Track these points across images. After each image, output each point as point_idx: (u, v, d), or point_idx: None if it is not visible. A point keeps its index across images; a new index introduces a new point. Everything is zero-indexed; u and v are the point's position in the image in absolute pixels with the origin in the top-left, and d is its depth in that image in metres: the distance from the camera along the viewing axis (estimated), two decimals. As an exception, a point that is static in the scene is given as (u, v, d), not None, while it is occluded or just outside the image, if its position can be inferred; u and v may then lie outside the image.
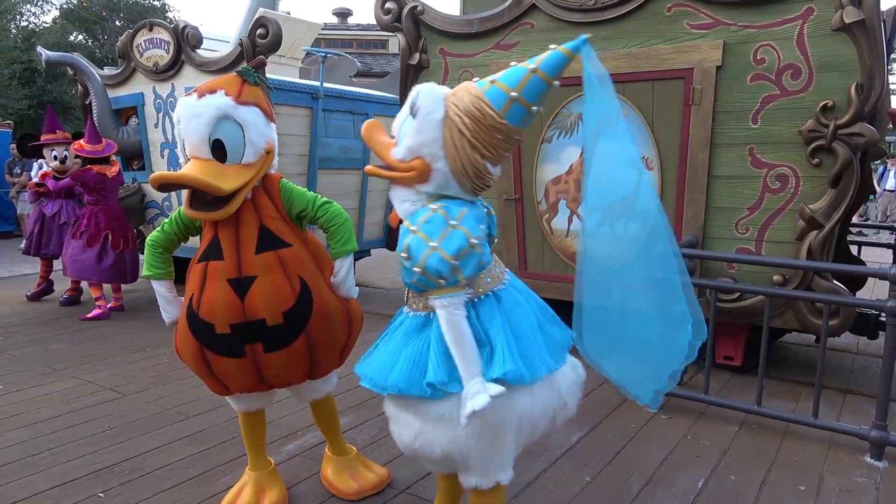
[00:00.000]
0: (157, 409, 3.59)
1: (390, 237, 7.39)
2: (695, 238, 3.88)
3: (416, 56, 4.79)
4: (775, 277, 3.74)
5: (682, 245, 3.60)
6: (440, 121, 1.82)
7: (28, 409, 3.56)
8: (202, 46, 6.32)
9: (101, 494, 2.69)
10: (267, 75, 5.67)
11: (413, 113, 1.85)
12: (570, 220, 4.44)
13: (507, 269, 2.08)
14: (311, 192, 2.42)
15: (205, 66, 6.03)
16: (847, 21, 3.32)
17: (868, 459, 3.05)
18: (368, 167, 1.98)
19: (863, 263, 4.62)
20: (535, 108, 1.83)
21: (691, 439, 3.27)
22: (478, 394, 1.74)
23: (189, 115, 2.19)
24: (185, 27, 6.12)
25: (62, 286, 6.36)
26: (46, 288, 6.47)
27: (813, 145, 3.54)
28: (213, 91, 2.20)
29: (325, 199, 2.41)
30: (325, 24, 23.74)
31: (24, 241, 6.38)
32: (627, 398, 2.26)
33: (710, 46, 3.73)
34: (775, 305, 3.77)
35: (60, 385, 3.96)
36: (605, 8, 4.03)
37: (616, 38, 4.05)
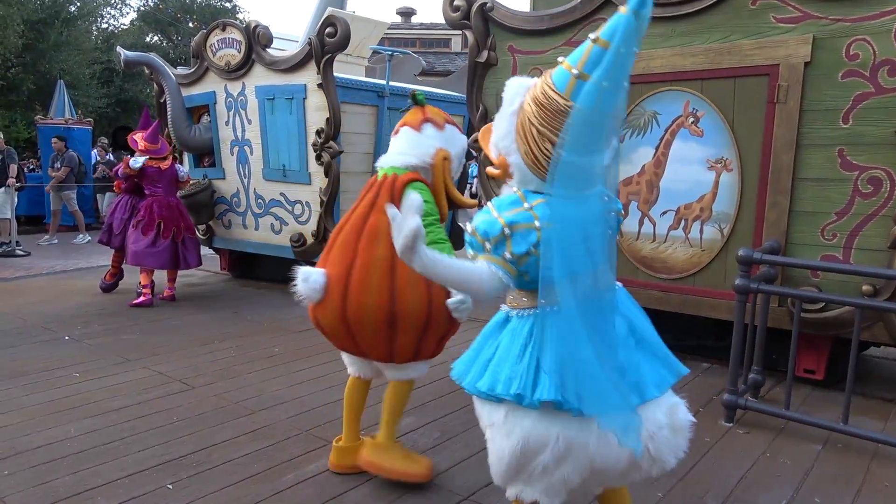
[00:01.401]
0: (223, 402, 3.64)
1: (452, 236, 7.34)
2: (777, 244, 3.68)
3: (485, 54, 4.72)
4: (865, 287, 3.50)
5: (764, 251, 3.41)
6: (514, 112, 1.76)
7: (102, 398, 3.67)
8: (272, 46, 6.43)
9: (170, 486, 2.73)
10: (334, 74, 5.74)
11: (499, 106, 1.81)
12: (640, 223, 4.29)
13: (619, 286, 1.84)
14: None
15: (274, 65, 6.13)
16: (953, 12, 3.08)
17: (970, 488, 2.82)
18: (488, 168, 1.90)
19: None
20: (605, 83, 1.56)
21: (770, 457, 3.08)
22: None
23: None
24: (256, 27, 6.24)
25: (132, 276, 6.58)
26: (119, 278, 6.71)
27: (911, 147, 3.30)
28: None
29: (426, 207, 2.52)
30: (390, 23, 24.03)
31: (101, 233, 6.65)
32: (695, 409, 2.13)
33: (798, 41, 3.53)
34: (864, 318, 3.53)
35: (132, 375, 4.07)
36: (684, 2, 3.87)
37: (696, 33, 3.88)
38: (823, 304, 3.60)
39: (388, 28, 8.90)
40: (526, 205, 1.70)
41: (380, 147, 6.21)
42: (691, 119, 3.97)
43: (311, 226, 6.18)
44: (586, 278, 1.65)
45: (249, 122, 6.48)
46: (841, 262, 3.59)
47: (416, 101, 2.81)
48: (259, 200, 6.62)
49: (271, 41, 6.30)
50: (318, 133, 5.88)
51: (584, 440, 1.69)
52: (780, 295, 3.59)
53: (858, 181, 3.50)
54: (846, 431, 3.12)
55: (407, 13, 26.57)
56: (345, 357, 2.89)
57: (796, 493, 2.75)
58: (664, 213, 4.15)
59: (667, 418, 1.75)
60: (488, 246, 1.70)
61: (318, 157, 5.92)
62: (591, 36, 1.59)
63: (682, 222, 4.10)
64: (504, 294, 1.85)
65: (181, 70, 7.18)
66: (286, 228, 6.46)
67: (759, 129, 3.73)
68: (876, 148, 3.42)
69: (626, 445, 1.66)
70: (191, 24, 24.31)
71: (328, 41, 5.60)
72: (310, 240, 6.21)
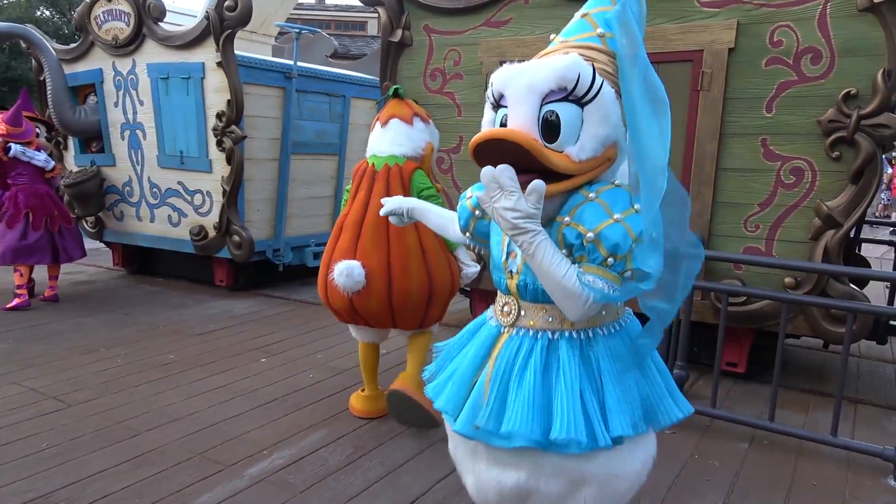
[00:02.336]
0: (104, 422, 3.20)
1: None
2: (700, 236, 3.58)
3: (399, 33, 4.40)
4: (787, 280, 3.45)
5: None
6: (615, 99, 1.48)
7: (-43, 423, 3.16)
8: (166, 20, 5.86)
9: (30, 532, 2.31)
10: (236, 52, 5.27)
11: (584, 100, 1.44)
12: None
13: (628, 311, 1.69)
14: (424, 183, 2.98)
15: (169, 41, 5.59)
16: (877, 0, 3.02)
17: (892, 483, 2.79)
18: (550, 187, 1.42)
19: (867, 263, 4.37)
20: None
21: (699, 458, 2.97)
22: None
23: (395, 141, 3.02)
24: (146, -2, 5.65)
25: (5, 276, 5.89)
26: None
27: (833, 137, 3.24)
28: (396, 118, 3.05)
29: (430, 191, 2.94)
30: (301, 3, 23.09)
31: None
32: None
33: (722, 26, 3.41)
34: (787, 311, 3.49)
35: (-2, 393, 3.55)
36: (606, -18, 3.68)
37: (618, 15, 3.70)
38: (745, 297, 3.53)
39: (301, 8, 8.38)
40: (636, 206, 1.42)
41: (287, 132, 5.79)
42: (615, 106, 3.80)
43: (213, 217, 5.70)
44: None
45: (142, 103, 5.89)
46: (763, 254, 3.54)
47: (398, 94, 3.08)
48: (154, 190, 6.06)
49: (164, 14, 5.73)
50: (219, 116, 5.40)
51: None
52: (714, 291, 3.50)
53: (781, 172, 3.44)
54: (773, 429, 3.05)
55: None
56: (354, 329, 3.25)
57: (727, 498, 2.64)
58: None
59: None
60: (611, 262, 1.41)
61: (220, 143, 5.45)
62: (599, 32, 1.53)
63: (606, 213, 3.94)
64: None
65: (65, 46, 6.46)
66: (185, 220, 5.94)
67: (683, 118, 3.60)
68: (798, 138, 3.36)
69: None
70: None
71: (228, 15, 5.13)
72: (212, 233, 5.73)
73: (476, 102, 4.25)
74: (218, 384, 3.74)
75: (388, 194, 2.76)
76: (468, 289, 4.62)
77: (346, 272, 2.80)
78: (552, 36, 1.58)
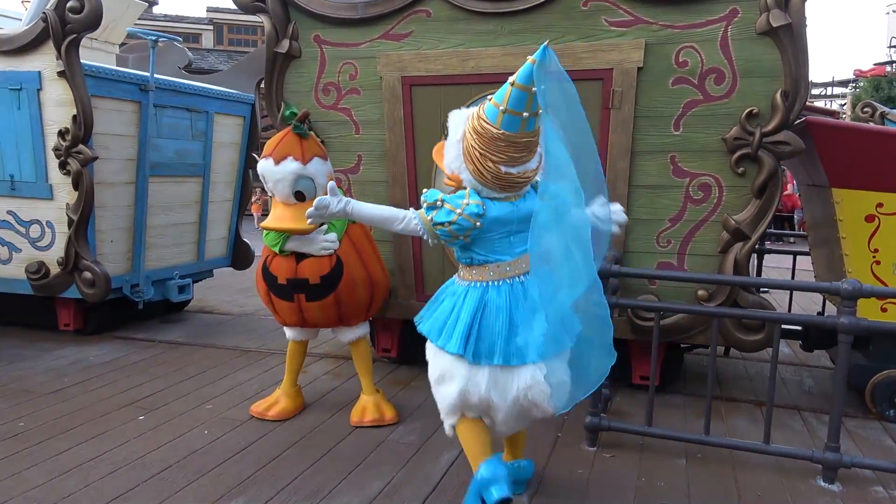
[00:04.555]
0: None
1: (237, 254, 6.42)
2: (618, 254, 3.58)
3: (285, 43, 4.02)
4: (700, 292, 3.54)
5: (609, 260, 3.25)
6: (459, 140, 2.29)
7: None
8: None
9: None
10: (82, 61, 4.57)
11: (445, 134, 2.38)
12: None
13: (527, 276, 2.35)
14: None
15: (-8, 46, 4.72)
16: (773, 24, 3.18)
17: (822, 483, 2.90)
18: (444, 180, 2.49)
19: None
20: (525, 113, 2.14)
21: (647, 481, 2.91)
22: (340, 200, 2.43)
23: (274, 179, 3.19)
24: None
25: None
26: None
27: (738, 153, 3.38)
28: (284, 158, 3.17)
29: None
30: (147, 4, 21.09)
31: None
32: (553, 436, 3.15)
33: (630, 46, 3.44)
34: (700, 322, 3.58)
35: None
36: (514, -2, 3.60)
37: (526, 32, 3.63)
38: (662, 312, 3.57)
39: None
40: (466, 200, 2.29)
41: (144, 152, 5.11)
42: (525, 123, 3.72)
43: (57, 252, 4.88)
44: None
45: (-44, 118, 4.93)
46: (676, 268, 3.61)
47: (298, 129, 3.27)
48: (-24, 221, 5.09)
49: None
50: (62, 134, 4.64)
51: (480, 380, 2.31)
52: (646, 309, 3.51)
53: (690, 187, 3.53)
54: (710, 443, 3.07)
55: (148, 1, 23.67)
56: (290, 329, 3.61)
57: (689, 523, 2.59)
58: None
59: (531, 380, 2.28)
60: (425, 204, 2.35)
61: (63, 166, 4.68)
62: (510, 80, 2.12)
63: (519, 233, 3.85)
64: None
65: None
66: (19, 256, 5.03)
67: (595, 136, 3.58)
68: (705, 154, 3.47)
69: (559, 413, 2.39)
70: None
71: (72, 17, 4.42)
72: (55, 269, 4.90)
73: (376, 119, 3.98)
74: (91, 454, 3.11)
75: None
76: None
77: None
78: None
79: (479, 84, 3.72)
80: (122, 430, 3.40)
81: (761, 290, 4.47)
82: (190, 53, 6.66)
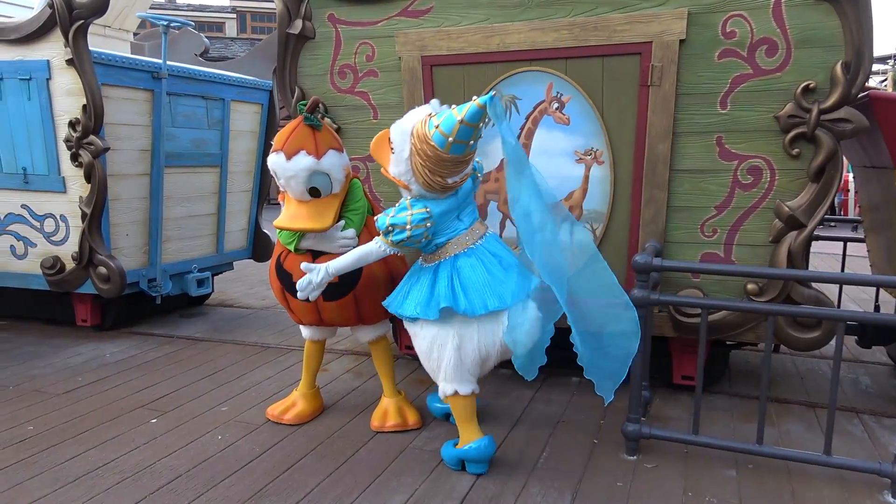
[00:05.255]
0: (-58, 541, 2.36)
1: (257, 246, 6.24)
2: (659, 245, 3.29)
3: (298, 24, 3.78)
4: (749, 286, 3.24)
5: (647, 252, 2.97)
6: (408, 158, 2.61)
7: None
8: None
9: None
10: (91, 49, 4.40)
11: (393, 149, 2.66)
12: (501, 227, 3.70)
13: (488, 234, 2.85)
14: (361, 201, 3.17)
15: (0, 34, 4.57)
16: (833, -13, 2.85)
17: (891, 500, 2.61)
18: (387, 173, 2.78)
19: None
20: (472, 141, 2.57)
21: (694, 496, 2.64)
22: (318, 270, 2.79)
23: (286, 175, 2.94)
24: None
25: None
26: None
27: (792, 133, 3.06)
28: (296, 152, 2.90)
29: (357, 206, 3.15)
30: (153, 2, 21.13)
31: None
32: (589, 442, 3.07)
33: (671, 16, 3.13)
34: (750, 318, 3.29)
35: None
36: (543, -34, 3.31)
37: (556, 4, 3.34)
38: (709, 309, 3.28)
39: (152, 9, 7.37)
40: (409, 211, 2.67)
41: (159, 142, 4.94)
42: (555, 104, 3.44)
43: (71, 246, 4.74)
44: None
45: (-33, 110, 4.81)
46: (722, 260, 3.31)
47: (312, 122, 2.98)
48: (-9, 216, 4.98)
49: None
50: (73, 125, 4.48)
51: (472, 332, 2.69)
52: (692, 306, 3.23)
53: (738, 171, 3.22)
54: (763, 453, 2.79)
55: (170, -10, 23.72)
56: (306, 329, 3.42)
57: (744, 546, 2.33)
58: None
59: (521, 316, 2.62)
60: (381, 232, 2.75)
61: (75, 157, 4.52)
62: (459, 116, 2.48)
63: (550, 223, 3.58)
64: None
65: None
66: (34, 251, 4.91)
67: (632, 116, 3.31)
68: (755, 135, 3.16)
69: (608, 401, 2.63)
70: None
71: (79, 2, 4.24)
72: (70, 264, 4.77)
73: (395, 103, 3.73)
74: (99, 462, 2.95)
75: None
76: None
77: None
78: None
79: (504, 62, 3.46)
80: (132, 435, 3.24)
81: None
82: (206, 40, 6.48)
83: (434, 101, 2.71)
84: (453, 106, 2.54)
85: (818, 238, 4.75)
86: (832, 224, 11.06)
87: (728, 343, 3.69)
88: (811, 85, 3.00)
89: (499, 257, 2.75)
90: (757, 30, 3.06)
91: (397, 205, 2.72)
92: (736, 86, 3.14)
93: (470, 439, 2.75)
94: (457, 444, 2.83)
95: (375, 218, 2.77)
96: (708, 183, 3.27)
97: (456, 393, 2.74)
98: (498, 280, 2.67)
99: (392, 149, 2.65)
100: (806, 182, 3.10)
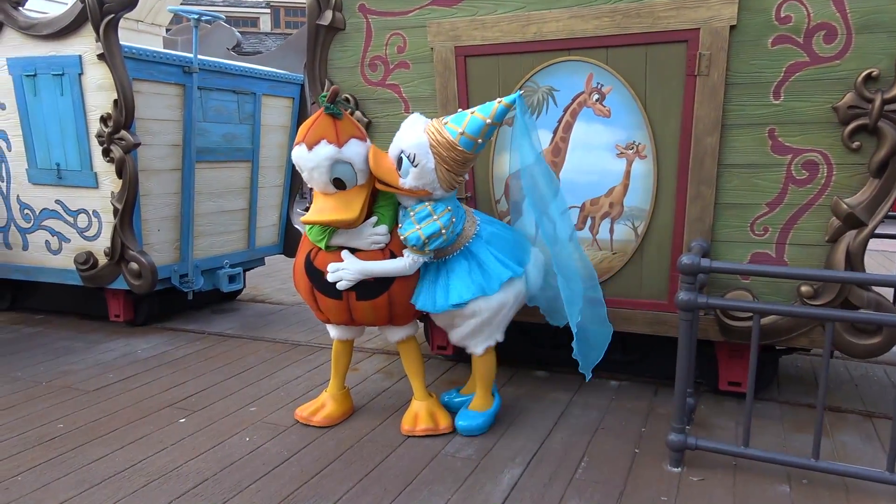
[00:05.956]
0: (-33, 544, 2.33)
1: (288, 241, 6.19)
2: (706, 244, 3.11)
3: (328, 15, 3.68)
4: (804, 289, 3.04)
5: (694, 252, 2.79)
6: (433, 169, 2.83)
7: None
8: (28, 5, 4.83)
9: None
10: (122, 43, 4.36)
11: (414, 164, 2.83)
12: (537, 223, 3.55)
13: (477, 214, 3.18)
14: (392, 195, 3.06)
15: (33, 30, 4.60)
16: (900, -33, 2.63)
17: (961, 522, 2.41)
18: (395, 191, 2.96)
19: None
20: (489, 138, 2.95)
21: (744, 514, 2.48)
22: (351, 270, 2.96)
23: (309, 167, 2.88)
24: (0, -23, 4.61)
25: None
26: None
27: (852, 125, 2.85)
28: (317, 142, 2.83)
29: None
30: (187, -3, 21.38)
31: None
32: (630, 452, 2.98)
33: (721, 2, 2.94)
34: (802, 322, 3.09)
35: None
36: (584, -50, 3.15)
37: (597, -10, 3.17)
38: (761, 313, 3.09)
39: (188, 5, 7.38)
40: (435, 216, 2.89)
41: (190, 136, 4.90)
42: (595, 96, 3.28)
43: (104, 241, 4.74)
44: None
45: (3, 106, 4.83)
46: (774, 260, 3.12)
47: (333, 112, 2.91)
48: (26, 211, 5.00)
49: (25, -2, 4.71)
50: (104, 120, 4.46)
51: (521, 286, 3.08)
52: (743, 310, 3.05)
53: (792, 166, 3.02)
54: (819, 468, 2.60)
55: (205, -13, 23.91)
56: (334, 328, 3.33)
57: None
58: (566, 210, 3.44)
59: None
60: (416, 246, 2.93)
61: (107, 153, 4.51)
62: (487, 119, 2.81)
63: (589, 221, 3.43)
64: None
65: None
66: (68, 246, 4.93)
67: (678, 108, 3.13)
68: (811, 127, 2.95)
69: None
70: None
71: (109, -3, 4.21)
72: (102, 260, 4.76)
73: (427, 96, 3.61)
74: (126, 464, 2.90)
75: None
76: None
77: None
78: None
79: (541, 52, 3.30)
80: (160, 436, 3.19)
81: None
82: (238, 34, 6.44)
83: (416, 114, 2.99)
84: (471, 109, 2.85)
85: (877, 236, 4.51)
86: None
87: (778, 348, 3.49)
88: (874, 73, 2.78)
89: (492, 221, 3.21)
90: (814, 14, 2.85)
91: (415, 215, 2.88)
92: (791, 74, 2.94)
93: (489, 399, 3.20)
94: (470, 407, 3.19)
95: (403, 238, 2.90)
96: (759, 178, 3.07)
97: (497, 342, 3.10)
98: (513, 237, 3.13)
99: (414, 164, 2.81)
100: (867, 177, 2.89)
